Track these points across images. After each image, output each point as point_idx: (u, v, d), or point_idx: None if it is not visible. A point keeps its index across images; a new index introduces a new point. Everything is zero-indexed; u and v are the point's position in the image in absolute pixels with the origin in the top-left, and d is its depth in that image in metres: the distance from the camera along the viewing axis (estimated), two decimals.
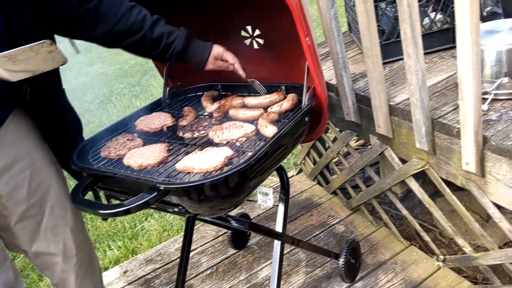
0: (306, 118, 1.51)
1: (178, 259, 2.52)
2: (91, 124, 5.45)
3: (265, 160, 1.30)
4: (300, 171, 3.06)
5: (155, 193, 1.19)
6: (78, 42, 9.17)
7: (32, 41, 1.11)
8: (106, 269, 2.95)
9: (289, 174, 3.09)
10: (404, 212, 2.04)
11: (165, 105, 1.88)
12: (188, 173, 1.31)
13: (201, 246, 2.59)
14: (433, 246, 2.00)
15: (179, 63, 1.57)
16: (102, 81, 7.00)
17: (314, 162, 2.75)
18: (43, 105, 1.45)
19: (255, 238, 2.50)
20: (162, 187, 1.19)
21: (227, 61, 1.59)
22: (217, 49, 1.56)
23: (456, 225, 2.02)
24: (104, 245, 3.22)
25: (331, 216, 2.52)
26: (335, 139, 2.49)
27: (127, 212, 1.18)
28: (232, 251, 2.46)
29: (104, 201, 1.53)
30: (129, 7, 1.42)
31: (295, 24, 1.44)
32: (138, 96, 6.06)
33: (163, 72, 1.90)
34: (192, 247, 2.42)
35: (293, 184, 2.92)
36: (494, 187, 1.37)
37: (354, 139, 2.65)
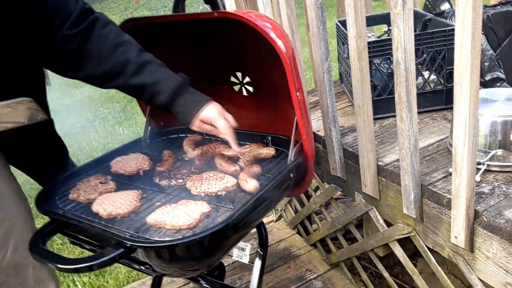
0: (291, 175, 1.43)
1: None
2: (70, 148, 5.27)
3: (245, 218, 1.21)
4: (280, 217, 2.96)
5: (122, 250, 1.09)
6: None
7: (22, 74, 1.06)
8: None
9: (269, 219, 2.99)
10: (385, 274, 1.95)
11: (144, 145, 1.79)
12: (160, 228, 1.21)
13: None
14: None
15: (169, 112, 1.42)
16: (87, 104, 6.88)
17: (296, 211, 2.66)
18: (28, 138, 1.36)
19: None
20: (128, 244, 1.09)
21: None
22: (207, 114, 1.36)
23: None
24: (69, 280, 3.03)
25: (308, 270, 2.41)
26: (317, 189, 2.42)
27: (90, 269, 1.07)
28: None
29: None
30: (113, 46, 1.29)
31: (287, 77, 1.39)
32: (121, 123, 5.94)
33: (146, 110, 1.82)
34: None
35: (272, 231, 2.81)
36: (483, 264, 1.29)
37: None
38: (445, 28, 1.90)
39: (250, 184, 1.34)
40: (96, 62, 1.29)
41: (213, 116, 1.35)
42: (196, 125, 1.38)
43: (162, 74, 1.34)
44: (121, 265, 3.02)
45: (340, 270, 2.35)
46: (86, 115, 6.44)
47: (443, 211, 1.39)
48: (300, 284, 2.31)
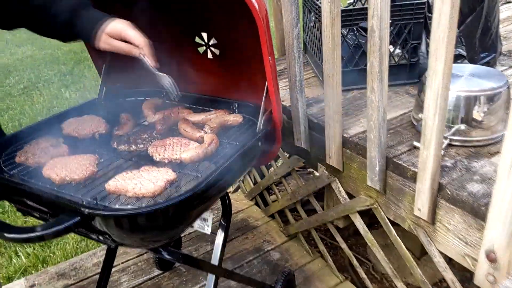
0: (260, 143, 1.38)
1: (95, 276, 2.27)
2: (11, 111, 4.93)
3: (211, 188, 1.15)
4: (238, 188, 2.93)
5: (78, 218, 0.99)
6: None
7: None
8: (10, 279, 2.61)
9: None
10: (343, 246, 1.98)
11: (99, 107, 1.66)
12: (119, 195, 1.12)
13: (122, 263, 2.35)
14: (368, 283, 1.96)
15: (76, 40, 1.27)
16: (29, 65, 6.41)
17: (255, 182, 2.64)
18: None
19: None
20: (86, 211, 0.99)
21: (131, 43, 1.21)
22: (114, 25, 1.20)
23: (390, 260, 2.00)
24: (11, 251, 2.86)
25: (266, 241, 2.41)
26: (278, 161, 2.39)
27: (40, 239, 0.97)
28: (157, 271, 2.25)
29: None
30: None
31: (260, 39, 1.32)
32: (68, 86, 5.59)
33: (101, 69, 1.68)
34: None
35: None
36: (443, 236, 1.33)
37: None
38: (412, 2, 1.89)
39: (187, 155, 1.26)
40: None
41: (123, 27, 1.20)
42: (103, 41, 1.21)
43: None
44: (69, 235, 2.89)
45: (297, 241, 2.37)
46: (29, 76, 6.00)
47: (407, 183, 1.41)
48: (257, 255, 2.30)
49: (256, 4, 1.26)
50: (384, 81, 1.34)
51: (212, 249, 2.46)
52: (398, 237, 1.57)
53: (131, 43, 1.22)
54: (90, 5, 1.26)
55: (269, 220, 2.57)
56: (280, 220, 2.50)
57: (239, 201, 2.77)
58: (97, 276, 1.95)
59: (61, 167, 1.20)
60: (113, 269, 2.28)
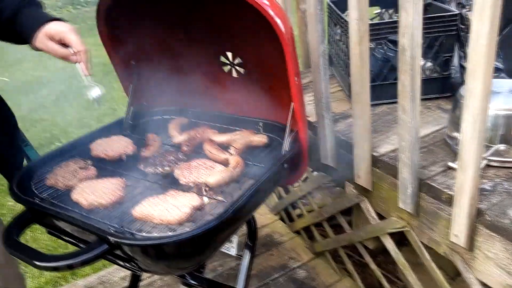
0: (285, 165, 1.35)
1: None
2: (44, 122, 5.06)
3: (238, 213, 1.13)
4: None
5: (105, 247, 0.99)
6: None
7: None
8: None
9: None
10: (373, 266, 1.92)
11: (126, 127, 1.67)
12: (146, 222, 1.11)
13: (148, 277, 2.35)
14: None
15: (20, 41, 1.23)
16: (61, 76, 6.58)
17: (279, 197, 2.60)
18: None
19: (208, 275, 2.30)
20: (113, 240, 0.99)
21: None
22: (56, 26, 1.16)
23: (422, 280, 1.93)
24: None
25: (292, 258, 2.36)
26: (305, 178, 2.35)
27: (69, 267, 0.97)
28: (182, 287, 2.24)
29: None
30: None
31: (285, 59, 1.29)
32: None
33: (128, 90, 1.70)
34: None
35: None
36: (482, 264, 1.26)
37: None
38: (444, 14, 1.83)
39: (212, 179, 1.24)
40: None
41: (63, 30, 1.16)
42: (40, 40, 1.17)
43: None
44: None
45: (324, 259, 2.32)
46: (60, 88, 6.16)
47: (442, 207, 1.35)
48: (283, 272, 2.26)
49: (281, 25, 1.23)
50: (417, 101, 1.30)
51: (237, 264, 2.44)
52: (432, 262, 1.50)
53: (68, 47, 1.18)
54: (38, 5, 1.22)
55: (294, 236, 2.53)
56: (305, 236, 2.45)
57: (264, 215, 2.74)
58: None
59: (89, 191, 1.20)
60: (140, 283, 2.29)
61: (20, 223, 1.14)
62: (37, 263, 0.97)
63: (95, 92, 1.30)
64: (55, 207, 1.18)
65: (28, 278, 2.74)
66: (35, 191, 1.27)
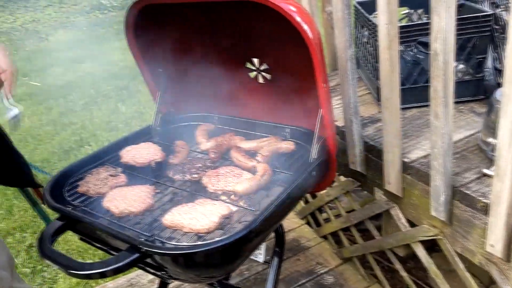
0: (314, 173, 1.34)
1: None
2: (73, 126, 5.19)
3: (267, 222, 1.12)
4: None
5: (136, 255, 1.00)
6: (83, 27, 8.92)
7: None
8: None
9: None
10: (403, 273, 1.88)
11: (154, 133, 1.69)
12: (176, 230, 1.12)
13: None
14: None
15: None
16: (89, 81, 6.74)
17: (306, 201, 2.58)
18: None
19: (235, 279, 2.30)
20: (144, 249, 1.00)
21: None
22: None
23: (454, 287, 1.87)
24: None
25: (319, 264, 2.34)
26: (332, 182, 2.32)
27: (102, 276, 0.99)
28: None
29: None
30: None
31: (312, 65, 1.28)
32: (124, 101, 5.81)
33: (156, 96, 1.71)
34: None
35: None
36: None
37: None
38: (478, 14, 1.77)
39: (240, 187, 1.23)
40: None
41: None
42: None
43: None
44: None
45: (352, 265, 2.28)
46: (89, 92, 6.31)
47: (477, 215, 1.30)
48: (310, 278, 2.24)
49: (309, 31, 1.22)
50: (450, 106, 1.26)
51: (264, 269, 2.44)
52: (465, 271, 1.46)
53: None
54: None
55: (321, 241, 2.50)
56: (333, 241, 2.42)
57: (290, 220, 2.72)
58: None
59: (120, 199, 1.22)
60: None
61: (53, 231, 1.16)
62: (71, 271, 0.99)
63: (13, 113, 1.28)
64: (88, 214, 1.20)
65: (60, 279, 2.81)
66: (67, 199, 1.30)
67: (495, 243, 1.21)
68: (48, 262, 1.06)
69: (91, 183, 1.32)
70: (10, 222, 3.46)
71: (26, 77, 7.12)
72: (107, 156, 1.51)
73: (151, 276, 2.48)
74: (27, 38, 9.07)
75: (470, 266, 2.08)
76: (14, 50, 8.41)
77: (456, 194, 1.36)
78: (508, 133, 1.07)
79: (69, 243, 3.10)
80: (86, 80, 6.89)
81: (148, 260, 1.04)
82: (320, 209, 2.55)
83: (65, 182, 1.38)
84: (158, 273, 1.09)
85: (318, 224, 2.58)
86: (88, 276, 0.99)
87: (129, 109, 5.56)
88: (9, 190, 3.85)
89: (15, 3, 11.20)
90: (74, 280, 2.79)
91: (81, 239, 1.29)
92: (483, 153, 1.49)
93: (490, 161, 1.42)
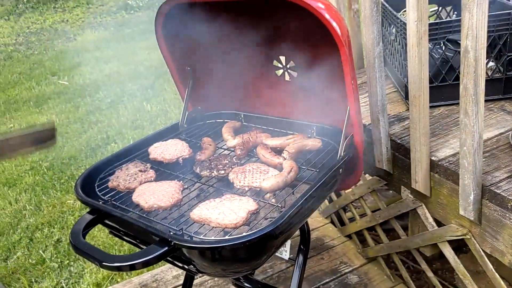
0: (341, 170, 1.34)
1: None
2: (100, 124, 5.30)
3: (294, 218, 1.13)
4: None
5: (165, 249, 1.02)
6: (110, 27, 9.12)
7: None
8: (98, 285, 2.79)
9: None
10: (430, 274, 1.85)
11: (182, 131, 1.71)
12: (203, 224, 1.14)
13: (200, 276, 2.40)
14: None
15: None
16: (116, 79, 6.87)
17: (330, 200, 2.57)
18: None
19: (258, 276, 2.31)
20: (173, 242, 1.02)
21: None
22: None
23: None
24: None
25: (343, 263, 2.33)
26: None
27: (131, 268, 1.02)
28: (232, 287, 2.27)
29: None
30: None
31: (340, 62, 1.28)
32: (149, 100, 5.91)
33: (184, 94, 1.74)
34: None
35: None
36: None
37: None
38: (509, 11, 1.73)
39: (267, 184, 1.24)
40: None
41: None
42: None
43: None
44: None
45: (377, 264, 2.26)
46: (115, 91, 6.43)
47: (507, 215, 1.28)
48: (334, 277, 2.23)
49: (338, 28, 1.22)
50: (480, 104, 1.24)
51: (287, 267, 2.44)
52: (495, 272, 1.43)
53: None
54: None
55: (345, 240, 2.49)
56: (357, 240, 2.41)
57: (314, 219, 2.71)
58: None
59: (149, 194, 1.25)
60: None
61: (85, 224, 1.20)
62: (104, 263, 1.02)
63: None
64: (118, 209, 1.23)
65: (86, 274, 2.88)
66: (99, 193, 1.34)
67: None
68: (80, 255, 1.09)
69: (121, 178, 1.36)
70: (38, 217, 3.57)
71: (54, 76, 7.32)
72: (136, 152, 1.55)
73: (175, 272, 2.52)
74: (56, 38, 9.31)
75: (498, 268, 2.04)
76: (44, 50, 8.66)
77: (486, 193, 1.33)
78: None
79: (95, 239, 3.18)
80: (112, 79, 7.04)
81: (177, 254, 1.06)
82: (345, 208, 2.54)
83: (96, 177, 1.42)
84: (186, 266, 1.11)
85: (342, 223, 2.57)
86: (119, 268, 1.02)
87: (154, 107, 5.65)
88: (38, 187, 3.98)
89: (44, 4, 11.51)
90: (100, 274, 2.86)
91: (110, 232, 1.33)
92: None
93: None
